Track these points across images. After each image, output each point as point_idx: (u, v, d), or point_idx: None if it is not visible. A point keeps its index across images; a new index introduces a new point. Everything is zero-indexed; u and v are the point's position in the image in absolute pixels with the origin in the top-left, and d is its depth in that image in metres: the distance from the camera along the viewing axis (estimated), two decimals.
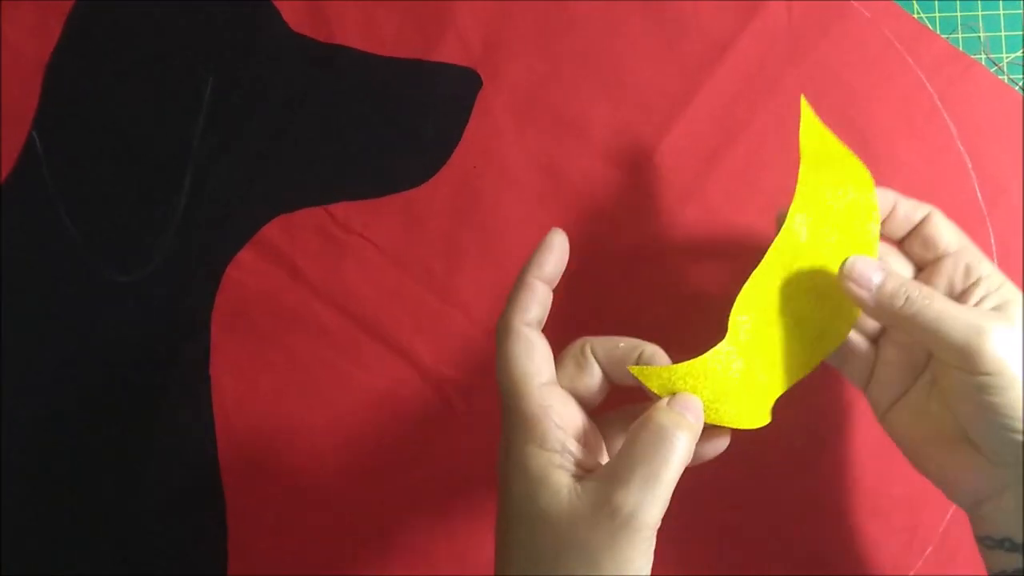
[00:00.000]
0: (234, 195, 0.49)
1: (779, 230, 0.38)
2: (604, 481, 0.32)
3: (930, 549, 0.45)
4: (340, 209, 0.49)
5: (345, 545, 0.47)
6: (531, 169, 0.48)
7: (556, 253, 0.37)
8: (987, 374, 0.34)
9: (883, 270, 0.37)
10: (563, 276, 0.47)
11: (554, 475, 0.33)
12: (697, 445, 0.35)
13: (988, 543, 0.37)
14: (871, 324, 0.41)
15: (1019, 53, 0.48)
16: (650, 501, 0.32)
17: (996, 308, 0.37)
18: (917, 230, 0.40)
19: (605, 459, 0.37)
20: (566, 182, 0.48)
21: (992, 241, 0.47)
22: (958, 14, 0.49)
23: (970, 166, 0.47)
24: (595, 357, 0.37)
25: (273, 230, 0.49)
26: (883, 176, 0.47)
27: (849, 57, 0.48)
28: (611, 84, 0.48)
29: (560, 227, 0.47)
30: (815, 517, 0.46)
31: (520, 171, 0.48)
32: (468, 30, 0.49)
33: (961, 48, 0.48)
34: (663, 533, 0.46)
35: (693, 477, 0.45)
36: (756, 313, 0.38)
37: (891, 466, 0.46)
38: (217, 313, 0.48)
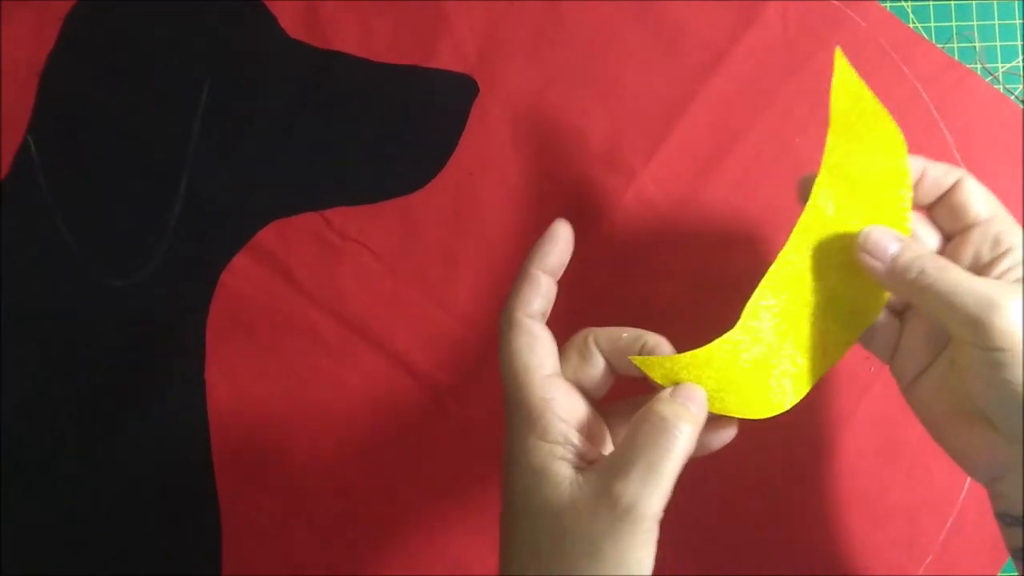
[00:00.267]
0: (230, 200, 0.49)
1: (802, 201, 0.37)
2: (604, 472, 0.32)
3: (930, 558, 0.45)
4: (336, 215, 0.48)
5: (339, 548, 0.47)
6: (527, 176, 0.48)
7: (560, 244, 0.37)
8: (999, 349, 0.33)
9: (900, 240, 0.36)
10: (564, 282, 0.47)
11: (555, 467, 0.33)
12: (703, 435, 0.35)
13: (1007, 520, 0.36)
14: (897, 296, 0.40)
15: (1015, 63, 0.49)
16: (650, 492, 0.32)
17: (1019, 280, 0.35)
18: (946, 197, 0.38)
19: (609, 449, 0.37)
20: (562, 189, 0.48)
21: None
22: (953, 24, 0.49)
23: None
24: (599, 348, 0.37)
25: (269, 235, 0.48)
26: None
27: None
28: (607, 91, 0.48)
29: None
30: (815, 526, 0.46)
31: (516, 178, 0.48)
32: (464, 37, 0.49)
33: (957, 58, 0.48)
34: (664, 538, 0.46)
35: (697, 481, 0.45)
36: (787, 294, 0.37)
37: (891, 475, 0.45)
38: (212, 318, 0.48)
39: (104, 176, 0.49)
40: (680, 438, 0.33)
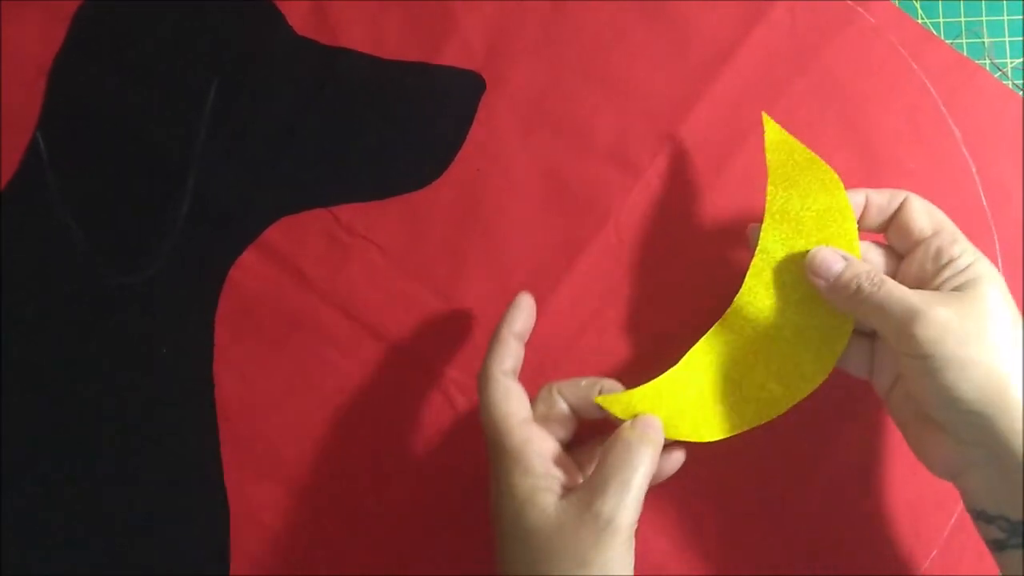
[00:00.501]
0: (238, 197, 0.49)
1: (752, 247, 0.41)
2: (584, 494, 0.37)
3: (935, 552, 0.45)
4: (344, 211, 0.49)
5: (348, 545, 0.47)
6: (534, 173, 0.48)
7: (525, 312, 0.42)
8: (923, 356, 0.35)
9: (845, 259, 0.39)
10: (570, 278, 0.47)
11: (539, 496, 0.37)
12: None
13: (973, 514, 0.38)
14: None
15: (1023, 58, 0.48)
16: (625, 505, 0.36)
17: (959, 288, 0.37)
18: (894, 220, 0.40)
19: (581, 480, 0.40)
20: (569, 186, 0.48)
21: (996, 245, 0.47)
22: (962, 19, 0.49)
23: (974, 171, 0.47)
24: (562, 397, 0.42)
25: (277, 232, 0.49)
26: (888, 181, 0.47)
27: (853, 63, 0.48)
28: (615, 89, 0.48)
29: (563, 230, 0.48)
30: (820, 521, 0.46)
31: (523, 174, 0.48)
32: (472, 34, 0.49)
33: (965, 53, 0.48)
34: (670, 539, 0.46)
35: (699, 482, 0.45)
36: (747, 333, 0.41)
37: (895, 470, 0.46)
38: (220, 315, 0.48)
39: (112, 173, 0.49)
40: (644, 458, 0.38)
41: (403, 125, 0.49)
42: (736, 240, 0.47)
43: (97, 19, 0.50)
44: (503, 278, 0.48)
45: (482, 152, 0.48)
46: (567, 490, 0.38)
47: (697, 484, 0.46)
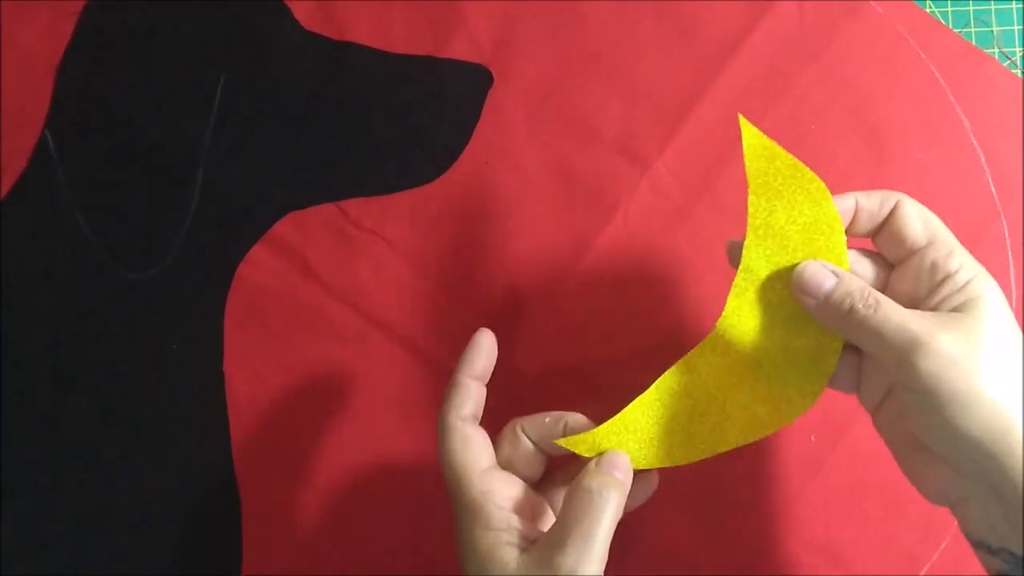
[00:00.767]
0: (246, 192, 0.49)
1: (734, 265, 0.38)
2: (545, 549, 0.35)
3: (945, 543, 0.45)
4: (352, 206, 0.49)
5: (360, 544, 0.47)
6: (542, 166, 0.48)
7: (484, 352, 0.40)
8: (921, 391, 0.33)
9: (836, 275, 0.36)
10: (578, 270, 0.47)
11: (500, 552, 0.36)
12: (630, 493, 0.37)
13: (971, 542, 0.36)
14: None
15: None
16: (587, 559, 0.34)
17: (957, 308, 0.34)
18: (885, 226, 0.37)
19: (551, 519, 0.39)
20: (577, 179, 0.48)
21: (1006, 235, 0.47)
22: (970, 8, 0.48)
23: (983, 160, 0.47)
24: (527, 435, 0.39)
25: (285, 227, 0.49)
26: (896, 171, 0.47)
27: (861, 53, 0.47)
28: (622, 82, 0.48)
29: (571, 223, 0.48)
30: (830, 512, 0.46)
31: (531, 168, 0.48)
32: (479, 28, 0.49)
33: (974, 43, 0.48)
34: (680, 530, 0.46)
35: (708, 476, 0.45)
36: (731, 354, 0.38)
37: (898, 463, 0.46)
38: (229, 310, 0.49)
39: (121, 170, 0.49)
40: (608, 506, 0.35)
41: (410, 119, 0.49)
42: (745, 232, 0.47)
43: (104, 16, 0.50)
44: (512, 271, 0.48)
45: (490, 146, 0.48)
46: (530, 542, 0.36)
47: (697, 483, 0.46)
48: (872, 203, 0.37)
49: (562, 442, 0.38)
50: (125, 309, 0.49)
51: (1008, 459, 0.32)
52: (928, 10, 0.48)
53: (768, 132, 0.42)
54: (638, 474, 0.38)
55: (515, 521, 0.37)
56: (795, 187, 0.37)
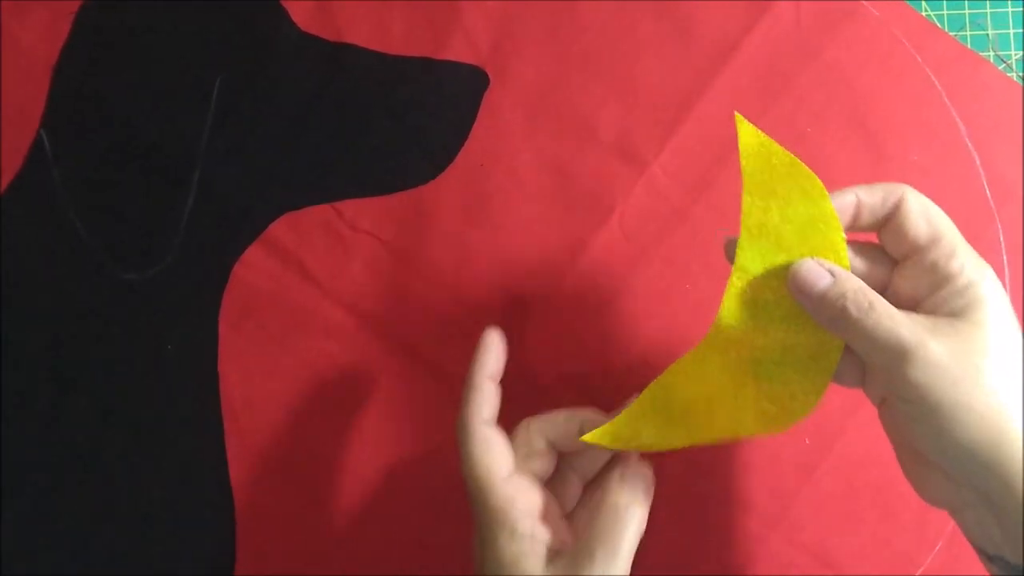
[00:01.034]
0: (242, 193, 0.49)
1: (731, 261, 0.37)
2: (571, 563, 0.35)
3: (939, 545, 0.45)
4: (348, 207, 0.49)
5: (353, 539, 0.48)
6: (539, 168, 0.48)
7: (495, 351, 0.40)
8: (910, 400, 0.32)
9: (831, 274, 0.35)
10: (574, 272, 0.47)
11: (525, 562, 0.36)
12: None
13: (973, 546, 0.35)
14: None
15: None
16: (613, 573, 0.35)
17: (957, 312, 0.33)
18: (889, 222, 0.36)
19: (564, 524, 0.39)
20: (574, 180, 0.48)
21: (1001, 238, 0.47)
22: (966, 12, 0.49)
23: (979, 163, 0.47)
24: (542, 435, 0.39)
25: (281, 228, 0.49)
26: (892, 174, 0.47)
27: (858, 56, 0.48)
28: (619, 83, 0.48)
29: (567, 224, 0.48)
30: (824, 515, 0.46)
31: (528, 170, 0.48)
32: (476, 29, 0.49)
33: (969, 46, 0.48)
34: (673, 533, 0.46)
35: (701, 478, 0.46)
36: (729, 355, 0.38)
37: (898, 465, 0.46)
38: (225, 311, 0.49)
39: (117, 170, 0.49)
40: (633, 522, 0.36)
41: (407, 120, 0.49)
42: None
43: (101, 16, 0.50)
44: (507, 273, 0.48)
45: (486, 147, 0.48)
46: (554, 553, 0.36)
47: (696, 482, 0.46)
48: (874, 198, 0.36)
49: (586, 439, 0.38)
50: (124, 309, 0.49)
51: (1000, 469, 0.31)
52: (924, 13, 0.48)
53: (765, 133, 0.42)
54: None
55: (540, 530, 0.37)
56: (791, 184, 0.37)
